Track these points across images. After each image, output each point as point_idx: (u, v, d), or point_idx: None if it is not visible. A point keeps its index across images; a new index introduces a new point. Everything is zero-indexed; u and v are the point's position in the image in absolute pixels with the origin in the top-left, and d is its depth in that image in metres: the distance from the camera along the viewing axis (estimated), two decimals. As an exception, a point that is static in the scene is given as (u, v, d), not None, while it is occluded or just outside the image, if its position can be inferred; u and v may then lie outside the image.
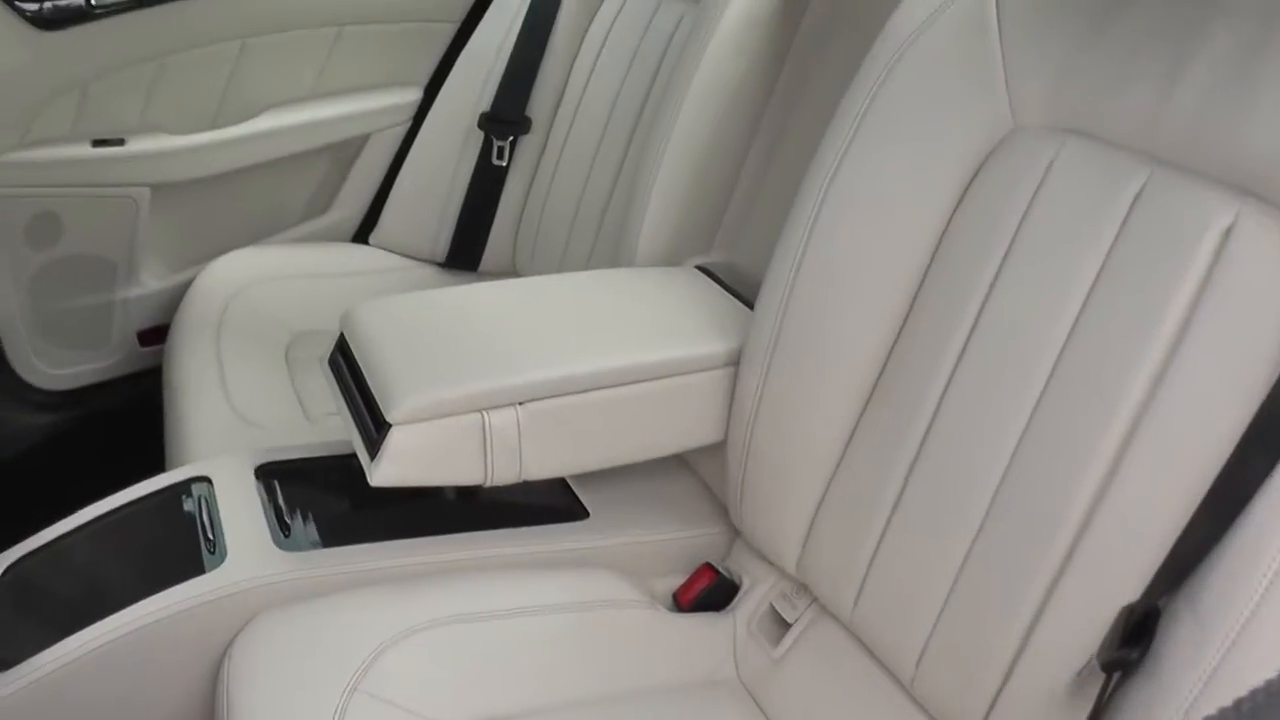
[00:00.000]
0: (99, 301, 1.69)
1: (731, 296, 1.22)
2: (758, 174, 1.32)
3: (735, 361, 1.08)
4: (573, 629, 1.03)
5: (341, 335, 1.12)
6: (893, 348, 0.95)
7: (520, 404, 1.02)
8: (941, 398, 0.89)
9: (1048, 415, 0.81)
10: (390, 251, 1.82)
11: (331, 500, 1.14)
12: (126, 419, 1.70)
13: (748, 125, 1.31)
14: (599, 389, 1.05)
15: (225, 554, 1.04)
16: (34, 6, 1.41)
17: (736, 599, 1.10)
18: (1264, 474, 0.68)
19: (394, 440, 0.98)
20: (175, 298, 1.69)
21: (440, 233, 1.79)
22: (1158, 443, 0.74)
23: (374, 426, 1.01)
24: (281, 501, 1.12)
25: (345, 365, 1.10)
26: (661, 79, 1.47)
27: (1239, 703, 0.31)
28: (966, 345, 0.88)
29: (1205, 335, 0.73)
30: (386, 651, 0.95)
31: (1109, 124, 0.83)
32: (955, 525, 0.85)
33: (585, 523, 1.15)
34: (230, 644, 0.99)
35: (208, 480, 1.14)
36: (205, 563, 1.03)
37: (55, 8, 1.43)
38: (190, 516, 1.10)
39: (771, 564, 1.08)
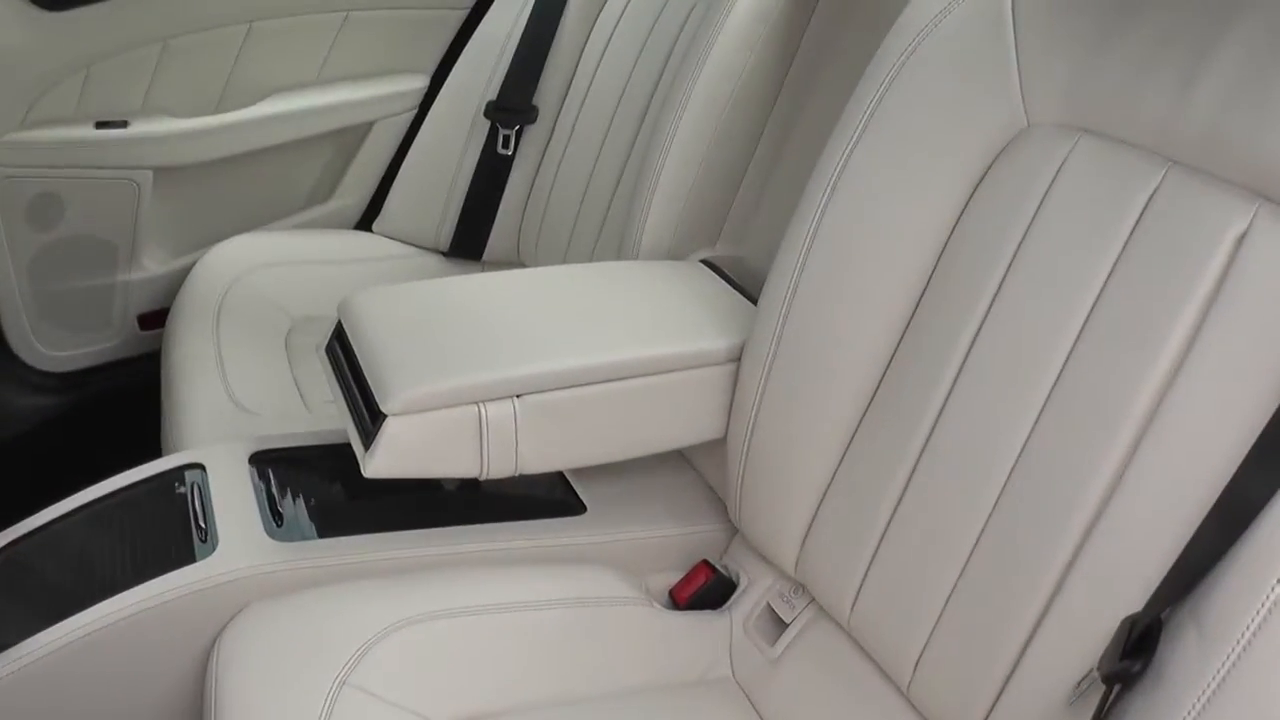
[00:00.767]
0: (99, 284, 1.68)
1: (736, 292, 1.21)
2: (765, 168, 1.32)
3: (737, 358, 1.08)
4: (567, 625, 1.02)
5: (339, 323, 1.11)
6: (897, 347, 0.94)
7: (518, 397, 1.01)
8: (945, 400, 0.88)
9: (1053, 420, 0.80)
10: (393, 240, 1.82)
11: (326, 490, 1.13)
12: (125, 402, 1.70)
13: (756, 119, 1.30)
14: (598, 383, 1.04)
15: (217, 542, 1.03)
16: (39, -13, 1.40)
17: (734, 597, 1.10)
18: (1273, 486, 0.67)
19: (389, 431, 0.97)
20: (176, 282, 1.68)
21: (444, 221, 1.78)
22: (1165, 451, 0.73)
23: (369, 416, 1.00)
24: (275, 490, 1.11)
25: (342, 353, 1.09)
26: (670, 71, 1.46)
27: None
28: (972, 348, 0.87)
29: (1217, 342, 0.72)
30: (377, 644, 0.94)
31: (1124, 124, 0.82)
32: (957, 529, 0.84)
33: (582, 518, 1.14)
34: (220, 633, 0.98)
35: (201, 467, 1.14)
36: (196, 551, 1.03)
37: (60, -12, 1.42)
38: (183, 503, 1.09)
39: (770, 563, 1.07)
